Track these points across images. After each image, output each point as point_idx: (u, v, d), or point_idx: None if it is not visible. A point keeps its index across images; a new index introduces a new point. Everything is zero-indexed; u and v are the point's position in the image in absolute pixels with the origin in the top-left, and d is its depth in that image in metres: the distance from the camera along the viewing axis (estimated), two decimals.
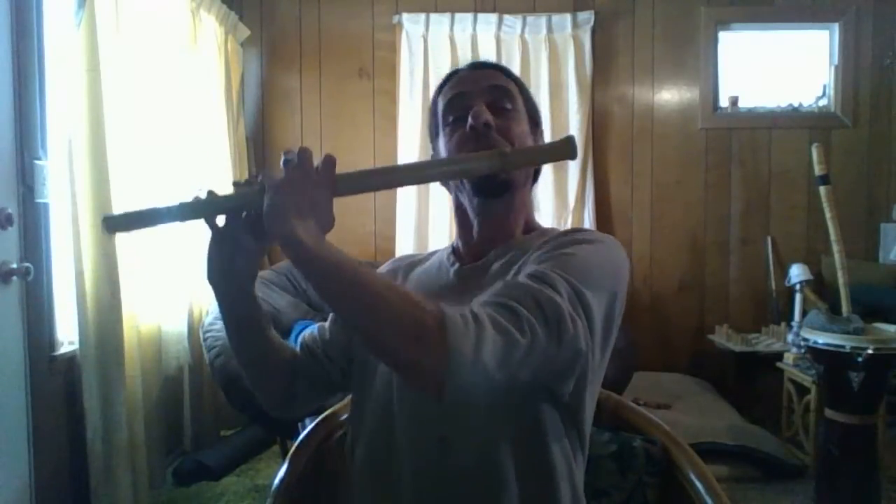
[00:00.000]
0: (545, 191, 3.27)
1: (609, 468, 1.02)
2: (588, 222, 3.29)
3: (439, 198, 3.21)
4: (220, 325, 2.09)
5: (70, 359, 1.89)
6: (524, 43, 3.27)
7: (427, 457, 0.77)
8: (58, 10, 1.84)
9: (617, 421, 1.08)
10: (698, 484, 0.92)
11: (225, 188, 0.81)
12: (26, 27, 1.66)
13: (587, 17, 3.27)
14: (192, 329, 2.54)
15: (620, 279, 0.78)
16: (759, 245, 3.39)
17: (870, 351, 1.99)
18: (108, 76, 1.96)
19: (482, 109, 0.84)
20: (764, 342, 3.11)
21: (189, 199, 0.79)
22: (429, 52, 3.26)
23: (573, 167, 3.27)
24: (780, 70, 3.45)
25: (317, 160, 0.74)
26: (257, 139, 3.37)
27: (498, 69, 0.93)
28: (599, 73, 3.34)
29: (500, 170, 0.79)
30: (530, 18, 3.26)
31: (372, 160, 3.27)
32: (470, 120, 0.84)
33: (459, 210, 0.93)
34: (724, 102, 3.39)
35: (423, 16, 3.26)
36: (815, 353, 2.18)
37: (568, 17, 3.26)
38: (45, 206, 1.74)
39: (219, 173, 2.84)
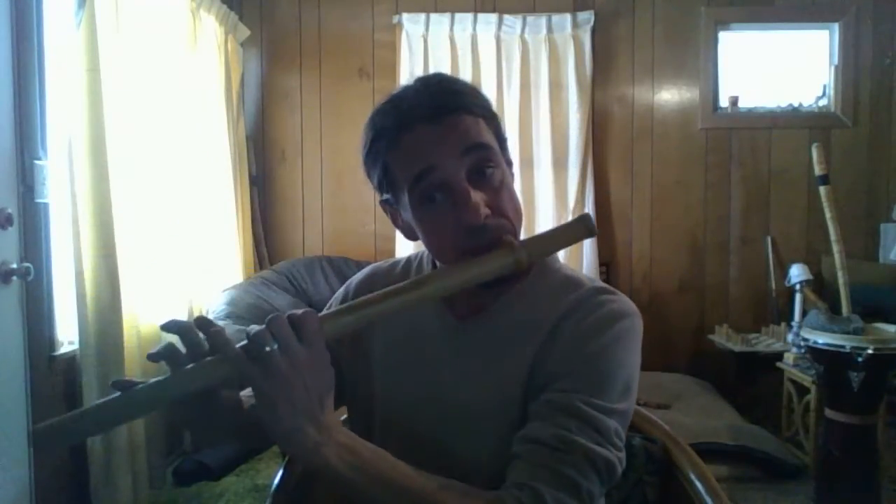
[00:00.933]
0: (545, 191, 3.27)
1: None
2: None
3: None
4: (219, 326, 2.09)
5: (70, 359, 1.89)
6: (524, 43, 3.27)
7: (426, 466, 0.77)
8: (58, 10, 1.84)
9: None
10: (698, 484, 0.92)
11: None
12: (26, 27, 1.66)
13: (587, 17, 3.27)
14: None
15: (639, 357, 0.78)
16: (759, 245, 3.39)
17: (870, 351, 1.99)
18: (108, 76, 1.96)
19: (477, 203, 0.71)
20: (764, 342, 3.11)
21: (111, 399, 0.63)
22: (429, 52, 3.26)
23: (573, 167, 3.27)
24: (779, 70, 3.45)
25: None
26: (257, 139, 3.37)
27: (463, 105, 0.75)
28: (599, 73, 3.34)
29: (515, 269, 0.71)
30: (530, 18, 3.26)
31: None
32: (469, 220, 0.71)
33: None
34: (724, 102, 3.39)
35: (423, 16, 3.26)
36: (815, 353, 2.18)
37: (568, 17, 3.26)
38: (45, 206, 1.74)
39: (219, 173, 2.85)
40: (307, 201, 3.36)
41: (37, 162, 1.68)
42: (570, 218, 3.24)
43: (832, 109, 3.38)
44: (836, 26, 3.36)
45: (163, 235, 2.33)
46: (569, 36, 3.26)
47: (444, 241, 0.75)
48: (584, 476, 0.66)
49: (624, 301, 0.79)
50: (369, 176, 0.82)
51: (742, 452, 2.42)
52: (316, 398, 0.61)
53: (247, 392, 0.70)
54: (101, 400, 0.63)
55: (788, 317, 3.04)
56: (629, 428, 1.04)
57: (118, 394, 0.62)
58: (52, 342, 1.80)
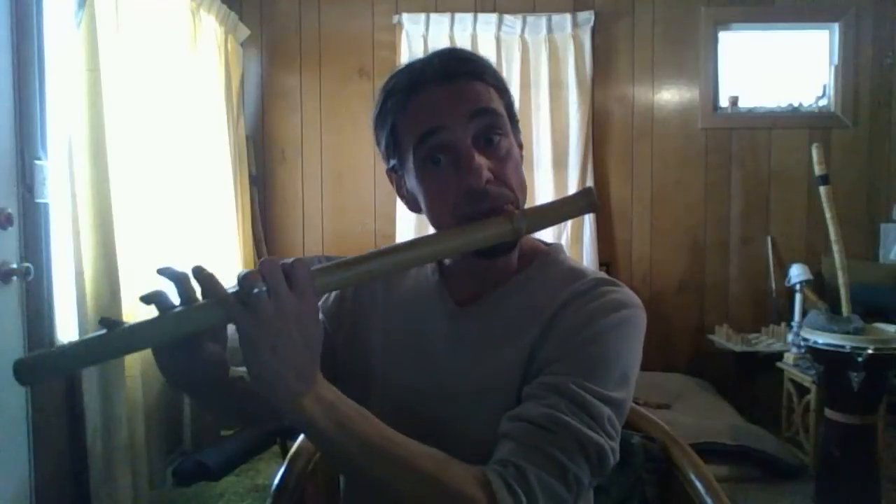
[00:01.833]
0: (545, 191, 3.27)
1: None
2: (588, 223, 3.29)
3: None
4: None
5: None
6: (524, 43, 3.27)
7: None
8: (58, 10, 1.84)
9: None
10: (698, 484, 0.92)
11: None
12: (26, 27, 1.66)
13: (587, 17, 3.27)
14: None
15: (640, 351, 0.78)
16: (759, 245, 3.39)
17: (870, 351, 2.00)
18: (108, 76, 1.96)
19: (480, 165, 0.71)
20: (764, 342, 3.11)
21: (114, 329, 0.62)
22: (429, 52, 3.25)
23: (573, 167, 3.28)
24: (779, 70, 3.45)
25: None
26: (257, 139, 3.37)
27: (474, 72, 0.77)
28: (599, 73, 3.34)
29: (513, 237, 0.70)
30: (530, 18, 3.26)
31: (372, 160, 3.27)
32: (471, 183, 0.71)
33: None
34: (724, 102, 3.39)
35: (423, 16, 3.26)
36: (815, 353, 2.19)
37: (568, 17, 3.26)
38: (45, 206, 1.74)
39: (219, 173, 2.84)
40: (307, 201, 3.37)
41: (37, 162, 1.68)
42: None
43: (832, 109, 3.38)
44: (836, 26, 3.36)
45: (163, 235, 2.33)
46: (569, 36, 3.26)
47: (444, 204, 0.74)
48: (571, 459, 0.64)
49: (626, 293, 0.79)
50: (377, 140, 0.82)
51: (742, 452, 2.42)
52: (302, 348, 0.59)
53: (240, 369, 0.69)
54: (87, 335, 0.63)
55: (788, 317, 3.04)
56: (629, 426, 1.05)
57: (104, 331, 0.61)
58: (52, 342, 1.80)
